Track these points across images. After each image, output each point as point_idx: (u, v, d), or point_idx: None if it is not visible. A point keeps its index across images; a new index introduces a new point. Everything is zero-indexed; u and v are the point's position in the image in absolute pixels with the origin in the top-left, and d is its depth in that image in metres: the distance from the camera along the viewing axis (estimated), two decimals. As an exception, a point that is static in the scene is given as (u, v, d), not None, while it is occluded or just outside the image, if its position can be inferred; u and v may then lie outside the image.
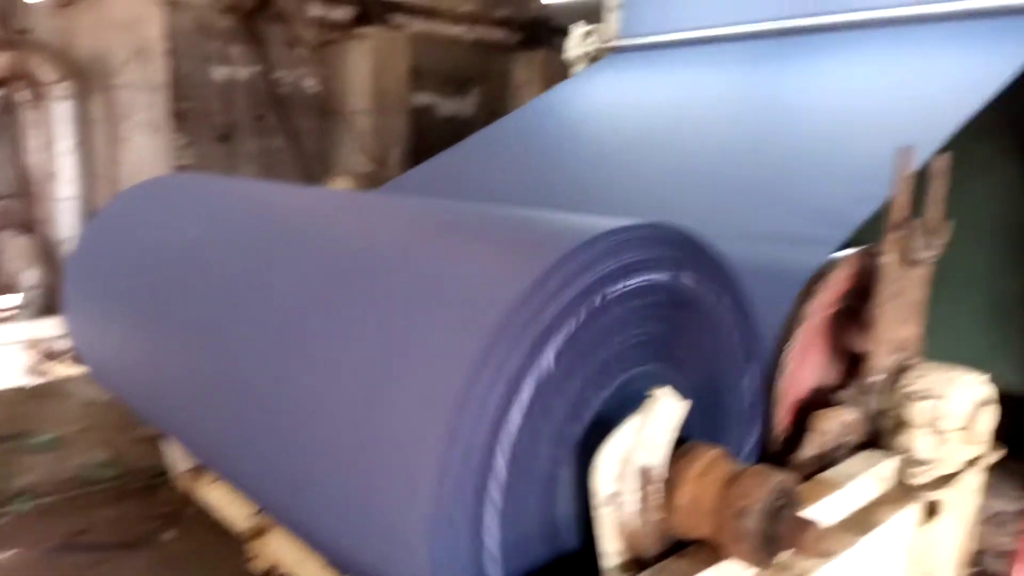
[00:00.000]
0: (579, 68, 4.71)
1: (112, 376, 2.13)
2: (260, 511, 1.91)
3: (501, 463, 1.10)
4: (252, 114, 6.27)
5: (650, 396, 1.19)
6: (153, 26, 5.94)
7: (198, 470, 2.25)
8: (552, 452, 1.17)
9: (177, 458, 2.28)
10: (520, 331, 1.10)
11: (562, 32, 5.14)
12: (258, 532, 1.94)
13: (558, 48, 5.31)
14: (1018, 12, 2.90)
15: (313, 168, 6.37)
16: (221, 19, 6.02)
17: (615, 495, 1.17)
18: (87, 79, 6.16)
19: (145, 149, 6.08)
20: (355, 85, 6.42)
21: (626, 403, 1.22)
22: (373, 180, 5.05)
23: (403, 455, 1.12)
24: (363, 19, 6.44)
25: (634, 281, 1.24)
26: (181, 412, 1.76)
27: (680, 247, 1.32)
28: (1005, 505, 3.36)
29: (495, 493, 1.10)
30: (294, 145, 6.27)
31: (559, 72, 5.44)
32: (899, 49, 3.08)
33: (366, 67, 6.34)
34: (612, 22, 4.56)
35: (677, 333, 1.35)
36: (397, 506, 1.12)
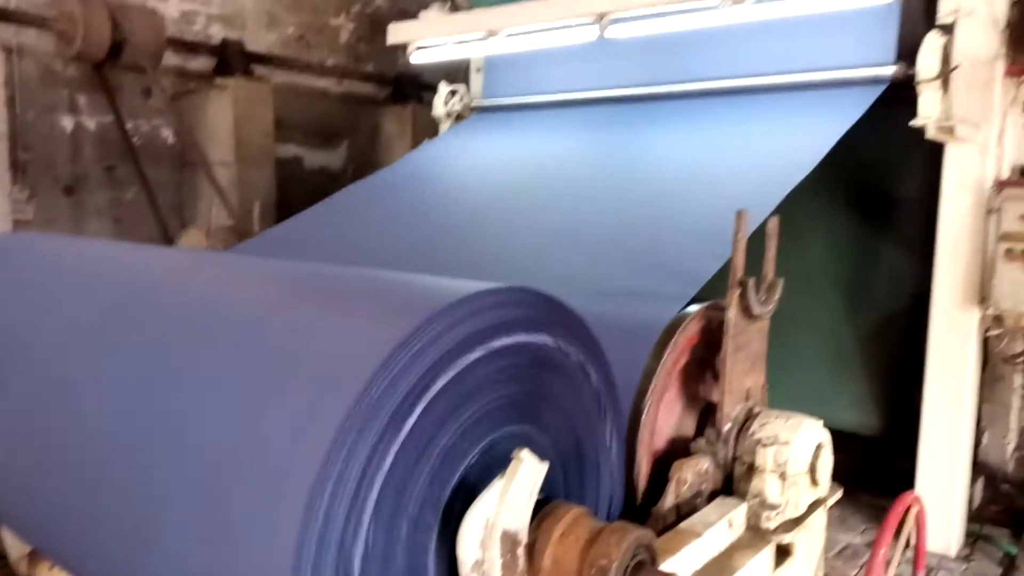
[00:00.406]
0: (447, 125, 4.80)
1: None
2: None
3: (363, 535, 1.07)
4: (102, 165, 5.95)
5: (513, 458, 1.19)
6: (-9, 73, 5.56)
7: (36, 553, 2.06)
8: (417, 519, 1.16)
9: (13, 541, 2.08)
10: (381, 398, 1.08)
11: (431, 88, 5.21)
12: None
13: (428, 103, 5.37)
14: (843, 84, 3.24)
15: (170, 221, 6.09)
16: (69, 67, 5.71)
17: (480, 563, 1.16)
18: (-86, 128, 5.67)
19: (-20, 204, 5.63)
20: (216, 136, 6.24)
21: (491, 466, 1.23)
22: (233, 234, 4.88)
23: (260, 532, 1.08)
24: (223, 69, 6.28)
25: (497, 343, 1.26)
26: (14, 495, 1.62)
27: (541, 309, 1.35)
28: (853, 538, 3.56)
29: (358, 566, 1.07)
30: (149, 197, 5.98)
31: (429, 126, 5.50)
32: (742, 116, 3.33)
33: (227, 118, 6.18)
34: (476, 83, 4.69)
35: (540, 394, 1.37)
36: (253, 588, 1.07)
